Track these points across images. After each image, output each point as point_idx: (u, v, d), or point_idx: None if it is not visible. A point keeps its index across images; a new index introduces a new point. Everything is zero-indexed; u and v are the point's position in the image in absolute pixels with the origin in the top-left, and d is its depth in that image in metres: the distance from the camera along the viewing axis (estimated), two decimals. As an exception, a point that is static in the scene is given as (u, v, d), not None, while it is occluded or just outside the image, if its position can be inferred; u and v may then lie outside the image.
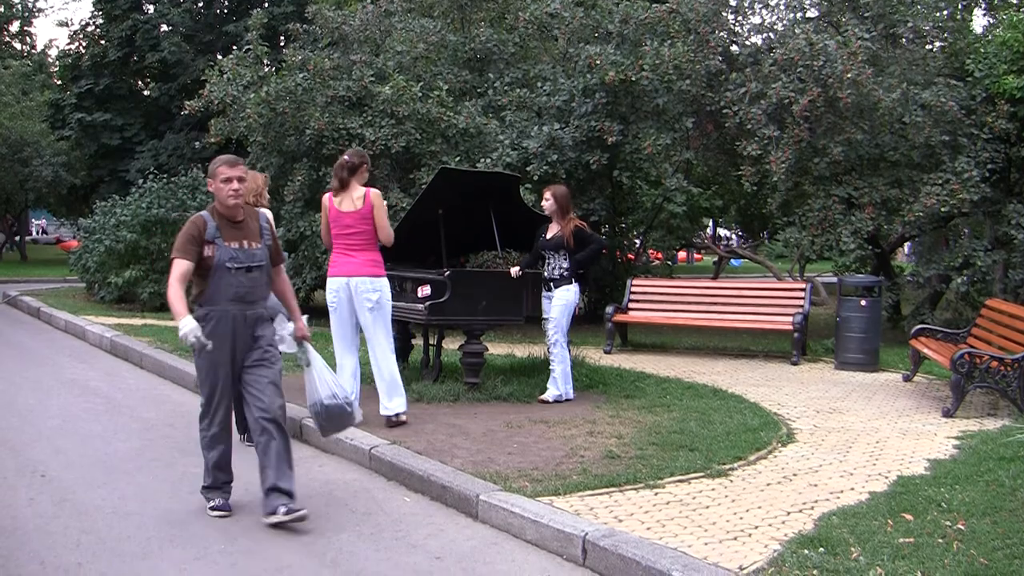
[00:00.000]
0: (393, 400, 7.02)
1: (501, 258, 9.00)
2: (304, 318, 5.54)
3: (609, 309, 11.97)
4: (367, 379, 7.31)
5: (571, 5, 13.83)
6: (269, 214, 6.02)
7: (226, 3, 28.03)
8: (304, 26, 15.87)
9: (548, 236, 8.27)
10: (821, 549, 4.42)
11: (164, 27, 27.30)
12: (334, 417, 5.59)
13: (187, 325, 4.85)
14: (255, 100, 12.85)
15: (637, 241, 17.90)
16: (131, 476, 5.98)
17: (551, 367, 8.26)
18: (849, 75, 11.04)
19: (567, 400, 8.15)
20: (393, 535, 4.99)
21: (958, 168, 11.37)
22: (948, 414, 7.86)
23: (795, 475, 5.89)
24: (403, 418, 7.06)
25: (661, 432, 6.87)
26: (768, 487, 5.60)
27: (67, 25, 49.85)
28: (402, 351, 9.08)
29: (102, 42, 28.46)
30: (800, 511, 5.12)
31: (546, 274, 8.30)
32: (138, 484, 5.80)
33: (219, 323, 5.05)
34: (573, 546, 4.63)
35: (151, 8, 28.02)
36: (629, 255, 16.42)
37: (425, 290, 7.97)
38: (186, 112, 14.56)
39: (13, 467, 6.14)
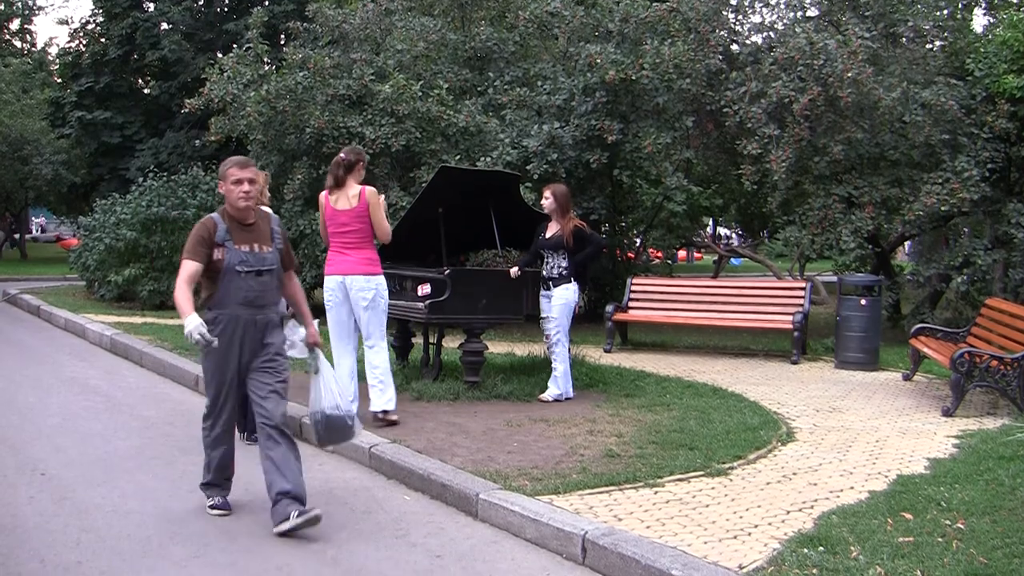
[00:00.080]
0: (384, 397, 7.01)
1: (501, 257, 9.00)
2: (316, 323, 5.48)
3: (609, 308, 11.97)
4: (360, 376, 7.31)
5: (571, 4, 13.83)
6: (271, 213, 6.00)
7: (226, 1, 28.02)
8: (304, 24, 15.87)
9: (547, 235, 8.27)
10: (821, 548, 4.42)
11: (164, 25, 27.30)
12: (334, 429, 5.44)
13: (192, 323, 4.77)
14: (255, 98, 12.84)
15: (637, 240, 17.89)
16: (131, 474, 5.98)
17: (553, 366, 8.26)
18: (849, 74, 11.03)
19: (567, 399, 8.15)
20: (393, 534, 4.99)
21: (958, 167, 11.37)
22: (948, 413, 7.87)
23: (795, 474, 5.89)
24: (393, 417, 7.02)
25: (661, 431, 6.87)
26: (768, 486, 5.60)
27: (67, 23, 50.12)
28: (402, 350, 9.11)
29: (102, 40, 28.45)
30: (800, 510, 5.12)
31: (545, 273, 8.30)
32: (138, 482, 5.80)
33: (228, 327, 4.97)
34: (573, 545, 4.63)
35: (151, 6, 28.02)
36: (629, 254, 16.42)
37: (425, 289, 7.97)
38: (186, 110, 14.55)
39: (13, 465, 6.14)
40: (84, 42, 29.97)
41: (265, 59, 14.91)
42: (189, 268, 4.95)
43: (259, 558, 4.59)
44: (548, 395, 8.12)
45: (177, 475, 5.99)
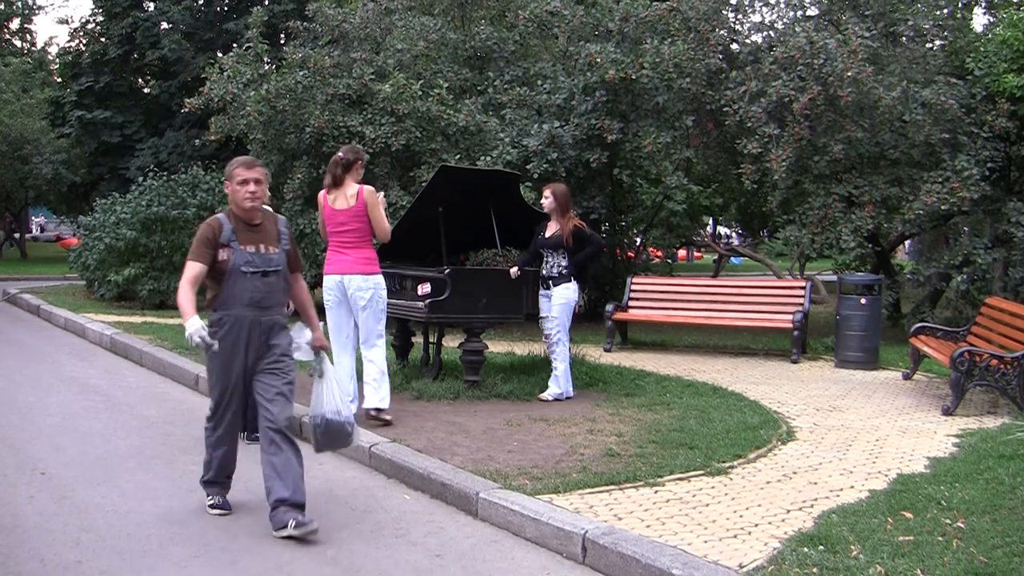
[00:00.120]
0: (377, 395, 7.00)
1: (501, 256, 9.00)
2: (321, 325, 5.44)
3: (609, 307, 11.97)
4: (360, 376, 7.31)
5: (571, 3, 13.83)
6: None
7: (226, 1, 28.02)
8: (304, 24, 15.87)
9: (547, 234, 8.27)
10: (821, 547, 4.42)
11: (164, 25, 27.30)
12: (332, 434, 5.35)
13: (193, 325, 4.73)
14: (255, 98, 12.84)
15: (637, 239, 17.89)
16: (131, 474, 5.98)
17: (553, 365, 8.26)
18: (849, 73, 11.03)
19: (567, 398, 8.15)
20: (393, 533, 4.99)
21: (958, 166, 11.36)
22: (948, 412, 7.87)
23: (795, 473, 5.89)
24: (386, 416, 6.99)
25: (661, 430, 6.88)
26: (768, 485, 5.60)
27: (67, 22, 50.11)
28: (402, 349, 9.11)
29: (102, 39, 28.44)
30: (800, 509, 5.12)
31: (544, 272, 8.30)
32: (138, 482, 5.80)
33: (233, 328, 4.93)
34: (573, 544, 4.63)
35: (151, 6, 28.02)
36: (629, 253, 16.41)
37: (425, 288, 7.97)
38: (186, 110, 14.56)
39: (13, 465, 6.14)
40: (84, 41, 29.97)
41: (265, 58, 14.91)
42: (192, 270, 4.91)
43: (259, 557, 4.59)
44: (548, 394, 8.12)
45: (177, 474, 5.99)
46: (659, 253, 20.90)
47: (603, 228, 15.26)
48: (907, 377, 9.74)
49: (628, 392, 8.46)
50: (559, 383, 8.17)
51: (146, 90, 29.41)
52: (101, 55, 27.81)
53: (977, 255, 11.75)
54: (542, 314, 8.34)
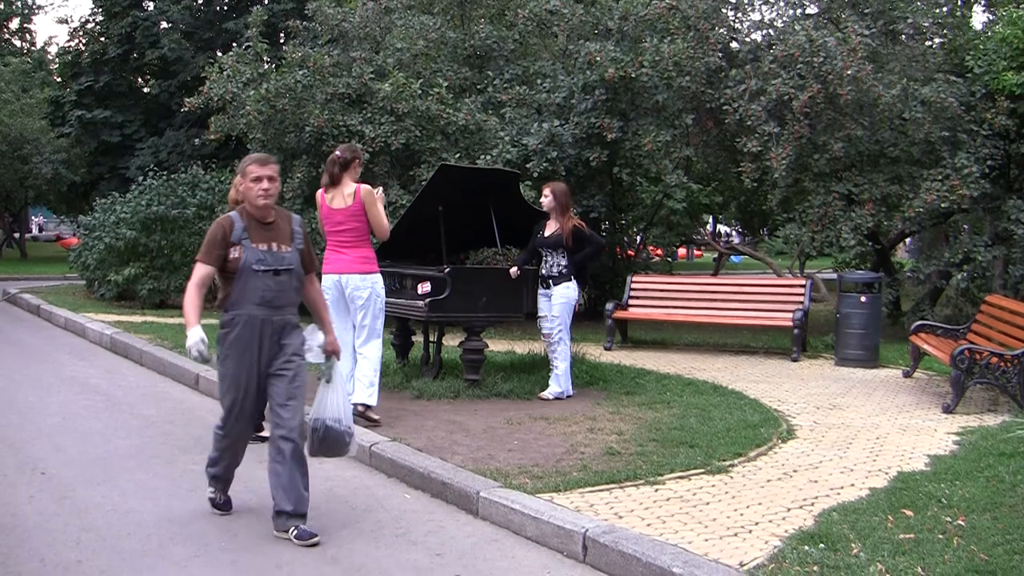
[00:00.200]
0: (366, 392, 6.98)
1: (501, 255, 8.99)
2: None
3: (609, 306, 11.97)
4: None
5: (571, 2, 13.83)
6: None
7: (226, 0, 28.00)
8: (304, 23, 15.86)
9: (546, 234, 8.26)
10: (821, 545, 4.42)
11: (164, 24, 27.25)
12: (330, 441, 5.21)
13: (194, 336, 4.65)
14: (255, 97, 12.83)
15: (637, 238, 17.88)
16: (131, 473, 5.98)
17: (553, 364, 8.25)
18: (849, 71, 11.03)
19: (567, 397, 8.15)
20: (393, 532, 4.99)
21: (958, 164, 11.36)
22: (948, 410, 7.87)
23: (795, 471, 5.89)
24: (373, 415, 6.94)
25: (661, 429, 6.88)
26: (768, 483, 5.60)
27: (67, 22, 50.09)
28: (402, 348, 9.11)
29: (102, 39, 28.40)
30: (800, 507, 5.12)
31: (544, 272, 8.29)
32: (138, 481, 5.80)
33: (244, 328, 4.81)
34: (573, 543, 4.63)
35: (151, 5, 27.97)
36: (629, 252, 16.41)
37: (425, 287, 7.97)
38: (186, 109, 14.54)
39: (13, 464, 6.14)
40: (84, 41, 29.93)
41: (265, 58, 14.89)
42: (200, 272, 4.82)
43: (259, 557, 4.59)
44: (548, 393, 8.12)
45: (177, 474, 5.99)
46: (659, 251, 20.90)
47: (603, 227, 15.27)
48: (907, 375, 9.74)
49: (628, 391, 8.46)
50: (560, 382, 8.17)
51: (146, 89, 29.38)
52: (101, 55, 27.77)
53: (977, 253, 11.75)
54: (540, 313, 8.34)
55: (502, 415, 7.36)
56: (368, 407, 6.97)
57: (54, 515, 5.13)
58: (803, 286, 11.72)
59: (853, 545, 4.41)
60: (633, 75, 12.17)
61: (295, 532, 4.77)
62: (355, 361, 7.16)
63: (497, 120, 13.01)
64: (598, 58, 12.34)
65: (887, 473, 5.84)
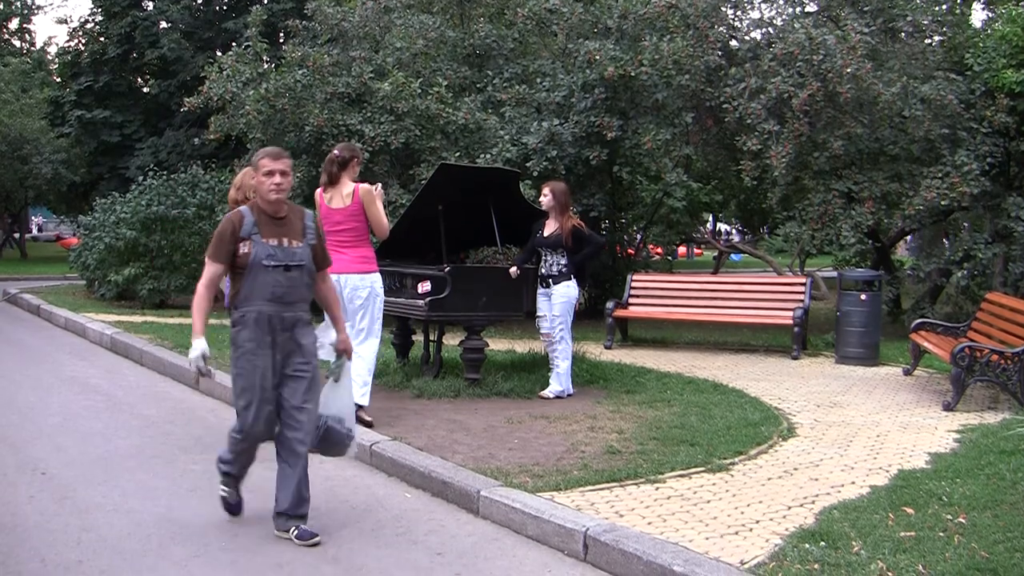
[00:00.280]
0: (359, 391, 6.95)
1: (501, 254, 8.99)
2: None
3: (609, 304, 11.97)
4: None
5: (570, 1, 13.81)
6: None
7: (225, 0, 28.00)
8: (303, 22, 15.85)
9: (545, 233, 8.25)
10: (822, 543, 4.42)
11: (163, 24, 27.27)
12: (329, 440, 5.12)
13: (196, 349, 4.62)
14: (254, 97, 12.83)
15: (637, 236, 17.89)
16: (132, 473, 5.98)
17: (555, 363, 8.24)
18: (848, 69, 11.03)
19: (568, 396, 8.15)
20: (394, 531, 4.99)
21: (958, 162, 11.36)
22: (948, 408, 7.87)
23: (796, 469, 5.89)
24: (365, 416, 6.89)
25: (662, 427, 6.87)
26: (769, 481, 5.60)
27: (66, 22, 50.05)
28: (402, 347, 9.11)
29: (101, 39, 28.42)
30: (801, 505, 5.12)
31: (543, 271, 8.28)
32: (138, 481, 5.80)
33: (255, 325, 4.69)
34: (574, 541, 4.63)
35: (150, 5, 28.00)
36: (629, 250, 16.42)
37: (425, 286, 7.97)
38: (186, 109, 14.56)
39: (13, 464, 6.14)
40: (83, 41, 29.94)
41: (264, 57, 14.88)
42: (209, 271, 4.74)
43: (260, 556, 4.58)
44: (549, 392, 8.12)
45: (178, 474, 5.99)
46: (659, 250, 20.91)
47: (603, 225, 15.27)
48: (908, 373, 9.74)
49: (629, 389, 8.46)
50: (561, 380, 8.17)
51: (145, 89, 29.40)
52: (100, 55, 27.79)
53: (977, 250, 11.75)
54: (539, 313, 8.33)
55: (502, 414, 7.35)
56: (360, 407, 6.95)
57: (55, 515, 5.12)
58: (803, 284, 11.73)
59: (854, 543, 4.41)
60: (633, 74, 12.17)
61: (296, 532, 4.76)
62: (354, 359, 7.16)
63: (497, 119, 13.01)
64: (597, 57, 12.34)
65: (888, 471, 5.84)
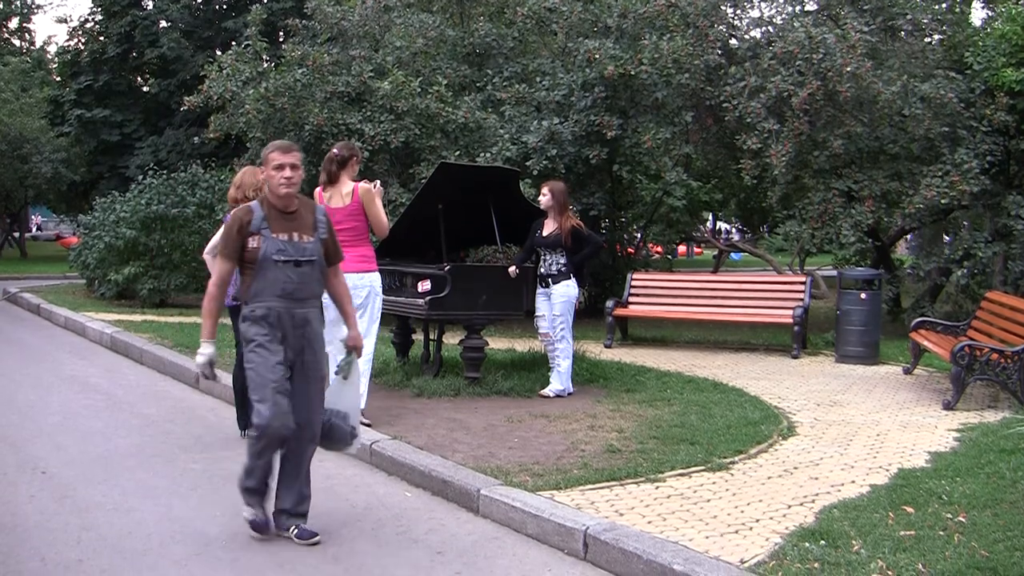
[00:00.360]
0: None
1: (501, 253, 8.99)
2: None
3: (609, 303, 11.97)
4: None
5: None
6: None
7: (225, -1, 28.04)
8: (303, 21, 15.85)
9: (544, 233, 8.24)
10: (822, 542, 4.42)
11: (163, 23, 27.26)
12: (333, 436, 5.04)
13: (204, 354, 4.62)
14: (254, 96, 12.83)
15: (637, 235, 17.88)
16: (132, 472, 5.98)
17: (556, 362, 8.24)
18: (848, 68, 11.03)
19: (568, 395, 8.15)
20: (394, 530, 4.99)
21: (957, 160, 11.36)
22: (948, 407, 7.87)
23: (796, 468, 5.89)
24: (363, 417, 6.86)
25: (662, 426, 6.87)
26: (769, 480, 5.60)
27: (66, 21, 49.97)
28: (402, 346, 9.11)
29: (101, 38, 28.40)
30: (801, 504, 5.12)
31: (543, 270, 8.27)
32: (139, 480, 5.80)
33: (266, 322, 4.62)
34: (574, 540, 4.63)
35: (150, 4, 27.98)
36: (629, 249, 16.41)
37: (425, 285, 7.97)
38: (185, 108, 14.54)
39: (13, 463, 6.14)
40: (83, 40, 29.92)
41: (264, 56, 14.86)
42: (220, 268, 4.69)
43: (260, 555, 4.59)
44: (549, 390, 8.12)
45: (178, 473, 5.99)
46: (659, 249, 20.88)
47: (603, 224, 15.27)
48: (907, 372, 9.74)
49: (629, 388, 8.46)
50: (561, 379, 8.17)
51: (145, 88, 29.38)
52: (100, 54, 27.77)
53: (977, 249, 11.75)
54: (538, 312, 8.33)
55: (502, 413, 7.35)
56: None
57: (55, 514, 5.12)
58: (803, 283, 11.73)
59: (854, 542, 4.41)
60: (632, 72, 12.17)
61: (296, 531, 4.76)
62: None
63: (496, 118, 13.01)
64: (597, 56, 12.34)
65: (888, 470, 5.84)
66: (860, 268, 11.99)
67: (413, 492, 5.68)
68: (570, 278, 8.20)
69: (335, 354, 5.15)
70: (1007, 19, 12.13)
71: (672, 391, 8.32)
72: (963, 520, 4.73)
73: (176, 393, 8.81)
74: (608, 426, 6.89)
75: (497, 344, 10.36)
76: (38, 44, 40.02)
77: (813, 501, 5.17)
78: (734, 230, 34.60)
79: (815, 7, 13.80)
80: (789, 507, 5.07)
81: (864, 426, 7.16)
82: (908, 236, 21.29)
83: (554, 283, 8.18)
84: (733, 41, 13.59)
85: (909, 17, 12.51)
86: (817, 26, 11.77)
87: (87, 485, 5.67)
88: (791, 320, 11.06)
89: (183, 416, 7.69)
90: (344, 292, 5.08)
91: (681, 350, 11.53)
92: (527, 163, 12.20)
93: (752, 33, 13.81)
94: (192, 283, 15.34)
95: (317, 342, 4.81)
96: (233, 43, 18.49)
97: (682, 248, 38.33)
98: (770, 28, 13.45)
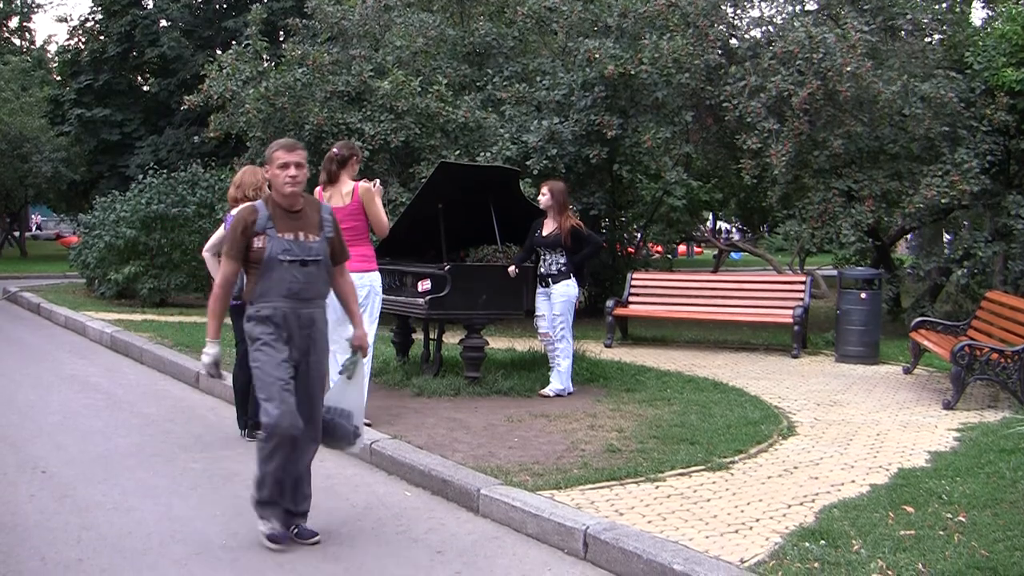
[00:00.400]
0: None
1: (501, 252, 8.99)
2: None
3: (609, 303, 11.97)
4: None
5: (570, -1, 13.83)
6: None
7: (225, -2, 28.04)
8: (303, 21, 15.85)
9: (544, 233, 8.24)
10: (822, 542, 4.42)
11: (163, 22, 27.27)
12: (335, 434, 4.97)
13: (209, 354, 4.61)
14: (254, 95, 12.83)
15: (637, 235, 17.88)
16: (132, 472, 5.98)
17: (556, 362, 8.24)
18: (848, 68, 11.03)
19: (568, 394, 8.15)
20: (394, 529, 4.99)
21: (958, 159, 11.36)
22: (948, 406, 7.86)
23: (796, 468, 5.89)
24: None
25: (662, 425, 6.87)
26: (769, 480, 5.60)
27: (66, 21, 49.82)
28: (402, 346, 9.11)
29: (101, 38, 28.40)
30: (801, 504, 5.12)
31: (543, 270, 8.27)
32: (139, 480, 5.80)
33: (271, 322, 4.57)
34: (574, 540, 4.63)
35: (150, 3, 27.99)
36: (629, 249, 16.41)
37: (425, 284, 7.97)
38: (185, 107, 14.54)
39: (14, 463, 6.14)
40: (83, 40, 29.93)
41: (264, 56, 14.87)
42: (225, 269, 4.65)
43: (260, 555, 4.58)
44: (549, 390, 8.12)
45: (178, 472, 5.99)
46: (659, 249, 20.88)
47: (603, 224, 15.27)
48: (907, 371, 9.74)
49: (629, 388, 8.46)
50: (561, 379, 8.17)
51: (145, 88, 29.39)
52: (100, 53, 27.77)
53: (977, 249, 11.75)
54: (538, 312, 8.33)
55: (502, 412, 7.35)
56: None
57: (55, 513, 5.12)
58: (803, 283, 11.73)
59: (854, 541, 4.41)
60: (633, 72, 12.17)
61: (296, 530, 4.76)
62: None
63: (497, 117, 13.01)
64: (597, 55, 12.34)
65: (888, 469, 5.84)
66: (860, 268, 11.98)
67: (413, 491, 5.68)
68: (570, 278, 8.20)
69: (339, 354, 5.13)
70: (1007, 19, 12.13)
71: (672, 391, 8.32)
72: (963, 520, 4.73)
73: (176, 392, 8.81)
74: (608, 426, 6.89)
75: (497, 344, 10.36)
76: (38, 43, 40.13)
77: (813, 501, 5.17)
78: (734, 230, 34.61)
79: (815, 7, 13.80)
80: (789, 507, 5.07)
81: (864, 426, 7.16)
82: (908, 236, 21.28)
83: (554, 283, 8.18)
84: (733, 41, 13.59)
85: (909, 17, 12.51)
86: (817, 26, 11.77)
87: (87, 484, 5.67)
88: (791, 320, 11.06)
89: (183, 415, 7.69)
90: (351, 291, 5.05)
91: (681, 350, 11.53)
92: (527, 162, 12.20)
93: (752, 33, 13.82)
94: (192, 282, 15.36)
95: (322, 342, 4.80)
96: (233, 42, 18.43)
97: (682, 248, 38.31)
98: (770, 28, 13.45)
